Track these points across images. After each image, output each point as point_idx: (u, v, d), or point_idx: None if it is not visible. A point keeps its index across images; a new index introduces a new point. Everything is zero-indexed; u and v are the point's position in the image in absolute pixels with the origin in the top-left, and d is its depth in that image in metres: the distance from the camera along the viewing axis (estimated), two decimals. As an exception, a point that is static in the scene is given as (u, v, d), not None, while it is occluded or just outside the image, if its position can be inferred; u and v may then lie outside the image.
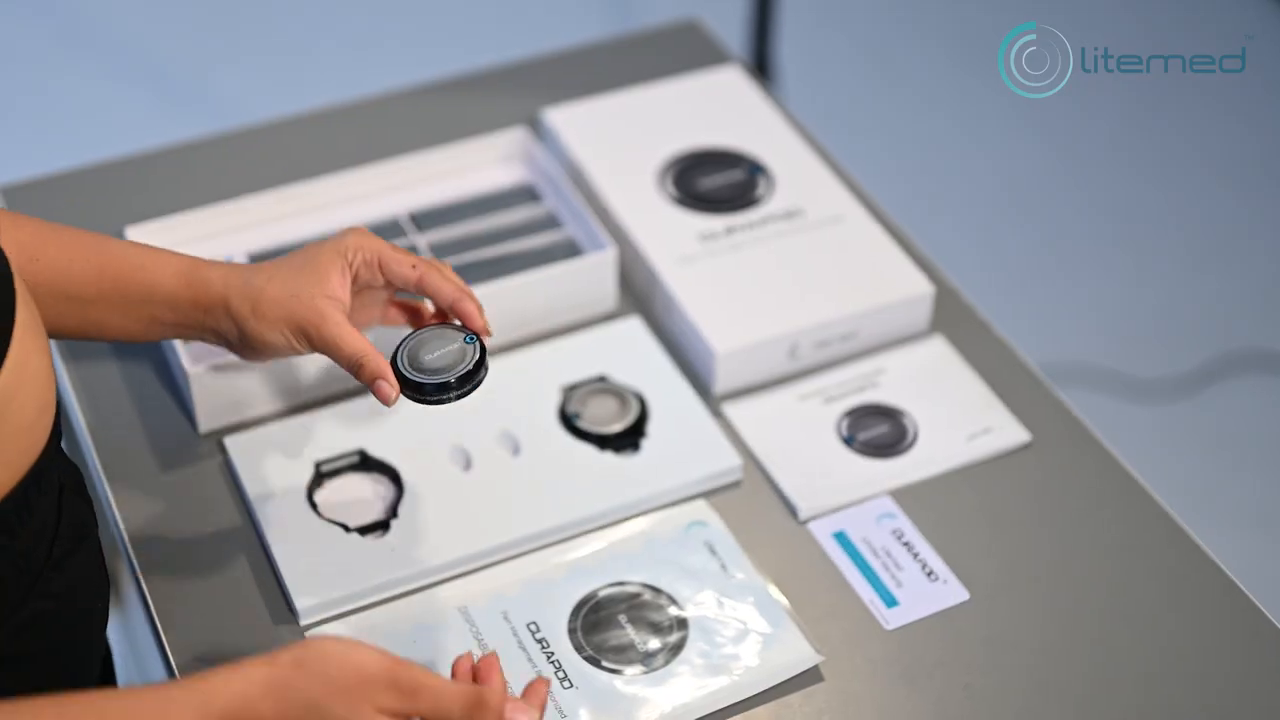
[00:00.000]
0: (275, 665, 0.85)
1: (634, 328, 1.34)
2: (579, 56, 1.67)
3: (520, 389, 1.28)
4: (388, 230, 1.38)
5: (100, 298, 1.06)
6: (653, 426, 1.26)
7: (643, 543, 1.17)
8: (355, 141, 1.52)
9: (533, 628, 1.11)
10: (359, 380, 1.05)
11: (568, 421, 1.26)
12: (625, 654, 1.10)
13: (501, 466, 1.22)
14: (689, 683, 1.08)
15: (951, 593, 1.16)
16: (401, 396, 1.05)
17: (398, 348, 1.08)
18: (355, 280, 1.09)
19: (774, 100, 1.56)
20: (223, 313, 1.07)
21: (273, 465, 1.21)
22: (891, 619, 1.15)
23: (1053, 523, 1.22)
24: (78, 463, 1.11)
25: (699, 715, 1.07)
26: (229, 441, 1.24)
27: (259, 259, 1.35)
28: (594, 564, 1.15)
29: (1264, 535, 2.28)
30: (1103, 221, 2.78)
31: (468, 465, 1.22)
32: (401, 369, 1.06)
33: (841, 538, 1.20)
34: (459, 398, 1.07)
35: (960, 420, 1.28)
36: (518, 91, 1.59)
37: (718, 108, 1.54)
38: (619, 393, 1.28)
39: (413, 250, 1.35)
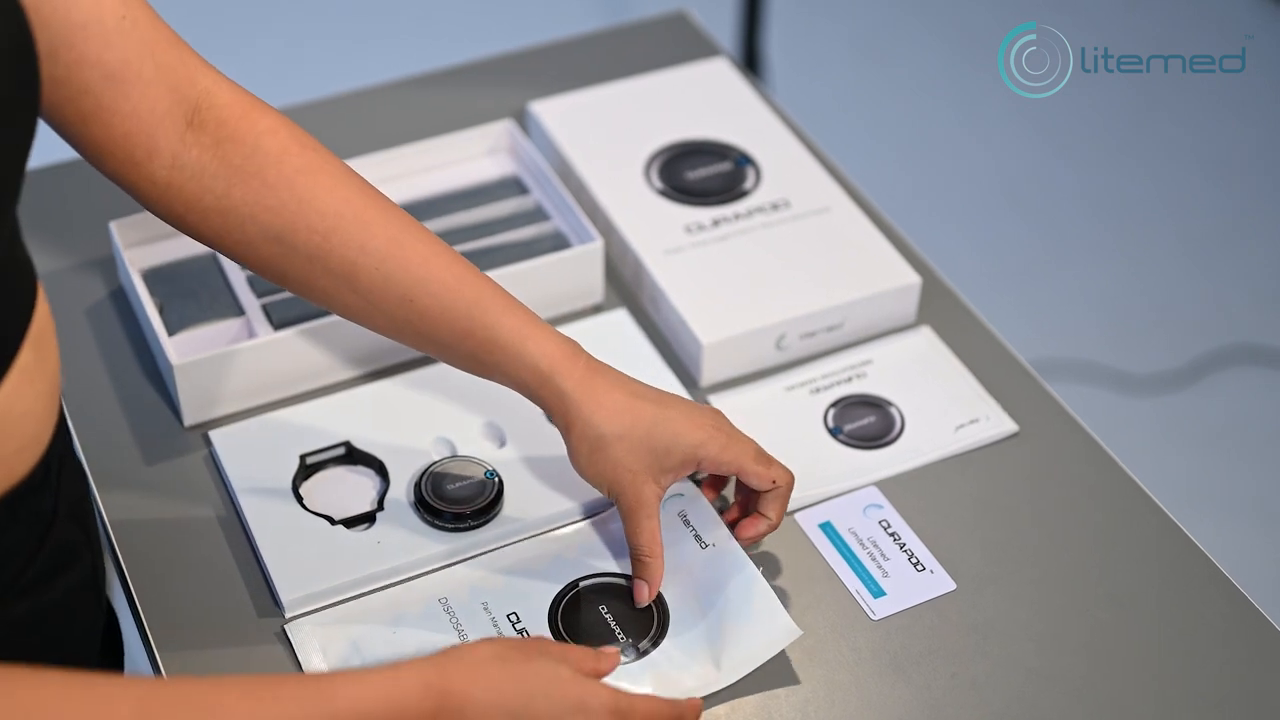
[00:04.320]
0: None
1: (621, 319, 1.34)
2: (566, 49, 1.66)
3: (506, 381, 1.27)
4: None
5: (459, 355, 1.09)
6: (639, 418, 1.26)
7: (618, 524, 1.16)
8: (342, 135, 1.52)
9: (513, 618, 1.11)
10: (632, 562, 1.10)
11: (554, 413, 1.26)
12: (607, 644, 1.09)
13: (487, 459, 1.22)
14: (671, 673, 1.08)
15: (938, 583, 1.16)
16: None
17: (425, 470, 1.19)
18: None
19: (761, 92, 1.56)
20: (560, 423, 1.10)
21: (258, 458, 1.21)
22: (878, 609, 1.14)
23: (1039, 513, 1.22)
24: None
25: (674, 695, 1.06)
26: (214, 434, 1.23)
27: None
28: (575, 553, 1.15)
29: (1252, 527, 2.28)
30: (1092, 214, 2.78)
31: (453, 458, 1.22)
32: (424, 493, 1.17)
33: (828, 528, 1.20)
34: (472, 529, 1.16)
35: (947, 411, 1.28)
36: (505, 84, 1.59)
37: (705, 100, 1.53)
38: (605, 384, 1.28)
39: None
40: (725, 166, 1.45)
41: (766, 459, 1.11)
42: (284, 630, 1.10)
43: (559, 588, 1.13)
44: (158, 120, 1.00)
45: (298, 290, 1.08)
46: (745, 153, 1.47)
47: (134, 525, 1.19)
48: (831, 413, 1.28)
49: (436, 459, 1.20)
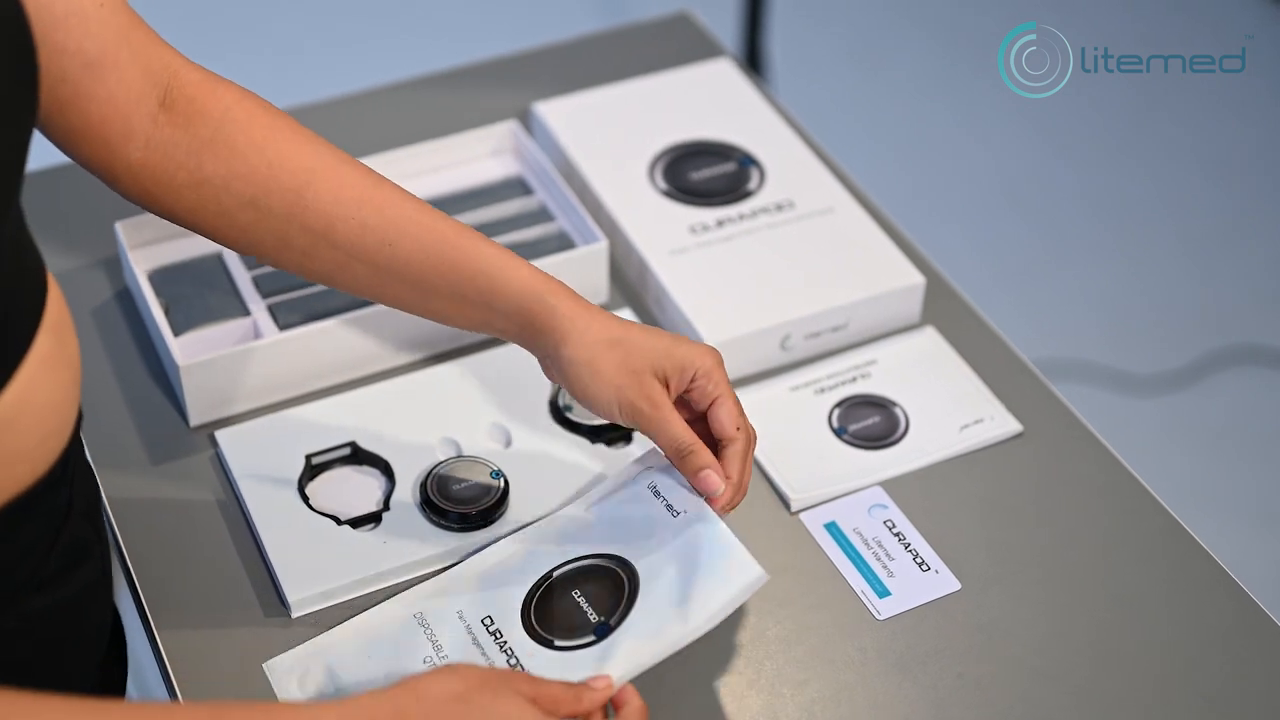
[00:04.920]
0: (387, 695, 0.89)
1: (625, 319, 1.34)
2: (570, 50, 1.67)
3: (511, 381, 1.28)
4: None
5: (444, 293, 1.06)
6: (644, 418, 1.26)
7: (596, 510, 1.13)
8: (347, 136, 1.51)
9: (487, 622, 1.08)
10: (681, 470, 1.06)
11: (559, 413, 1.26)
12: (579, 629, 1.05)
13: (493, 458, 1.22)
14: (641, 641, 1.02)
15: (943, 582, 1.16)
16: None
17: (431, 471, 1.18)
18: (681, 393, 1.08)
19: (765, 93, 1.56)
20: (555, 347, 1.06)
21: (264, 458, 1.21)
22: (883, 609, 1.15)
23: (1044, 513, 1.22)
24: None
25: (654, 663, 1.02)
26: (220, 434, 1.24)
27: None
28: (549, 543, 1.12)
29: (1255, 527, 2.28)
30: (1095, 214, 2.79)
31: (459, 457, 1.22)
32: (430, 493, 1.17)
33: (833, 528, 1.20)
34: (478, 530, 1.16)
35: (952, 411, 1.29)
36: (509, 85, 1.60)
37: (709, 100, 1.54)
38: (610, 385, 1.28)
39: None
40: (729, 167, 1.46)
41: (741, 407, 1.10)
42: (288, 629, 1.11)
43: (533, 581, 1.09)
44: (133, 104, 1.01)
45: (276, 258, 1.07)
46: (749, 153, 1.47)
47: (140, 525, 1.19)
48: (836, 413, 1.28)
49: (442, 459, 1.21)
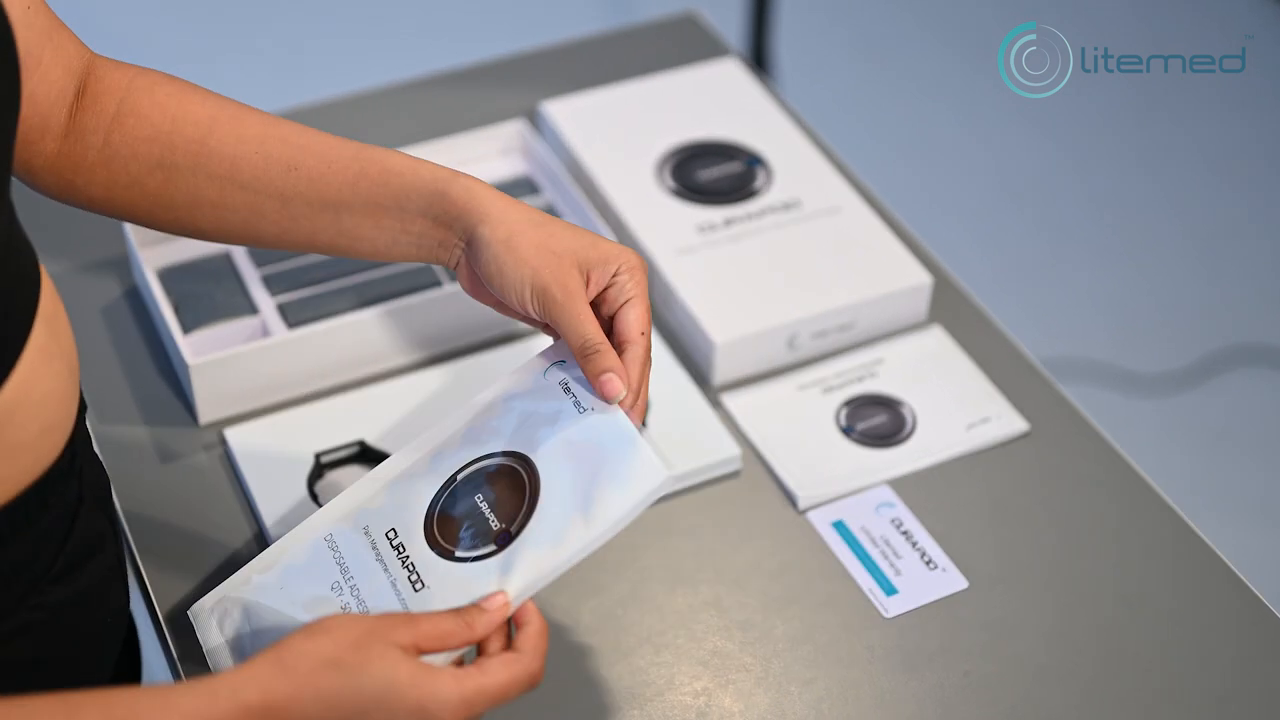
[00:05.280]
0: (280, 649, 0.86)
1: (633, 319, 1.34)
2: (577, 49, 1.67)
3: (520, 380, 1.28)
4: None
5: (355, 205, 1.02)
6: (652, 417, 1.26)
7: (503, 407, 1.04)
8: (354, 135, 1.52)
9: (391, 536, 1.00)
10: (584, 370, 0.99)
11: (567, 412, 1.26)
12: (480, 537, 0.97)
13: (501, 457, 1.22)
14: (543, 550, 0.96)
15: (950, 581, 1.17)
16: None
17: (440, 490, 1.04)
18: (600, 291, 1.02)
19: (772, 92, 1.56)
20: (473, 228, 1.00)
21: (273, 456, 1.22)
22: (891, 607, 1.15)
23: (1051, 511, 1.22)
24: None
25: (559, 574, 0.96)
26: (229, 433, 1.24)
27: (260, 251, 1.35)
28: (455, 444, 1.03)
29: (1263, 527, 2.28)
30: (1102, 214, 2.79)
31: (468, 456, 1.22)
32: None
33: (840, 527, 1.20)
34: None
35: (958, 410, 1.29)
36: (516, 84, 1.60)
37: (715, 100, 1.54)
38: (618, 383, 1.28)
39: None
40: (736, 166, 1.46)
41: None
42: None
43: (437, 488, 1.01)
44: (53, 101, 1.01)
45: (194, 222, 1.05)
46: (756, 153, 1.47)
47: (149, 523, 1.19)
48: (844, 412, 1.29)
49: None
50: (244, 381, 1.25)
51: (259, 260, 1.35)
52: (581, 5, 3.14)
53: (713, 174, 1.45)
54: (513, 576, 0.94)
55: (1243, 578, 1.18)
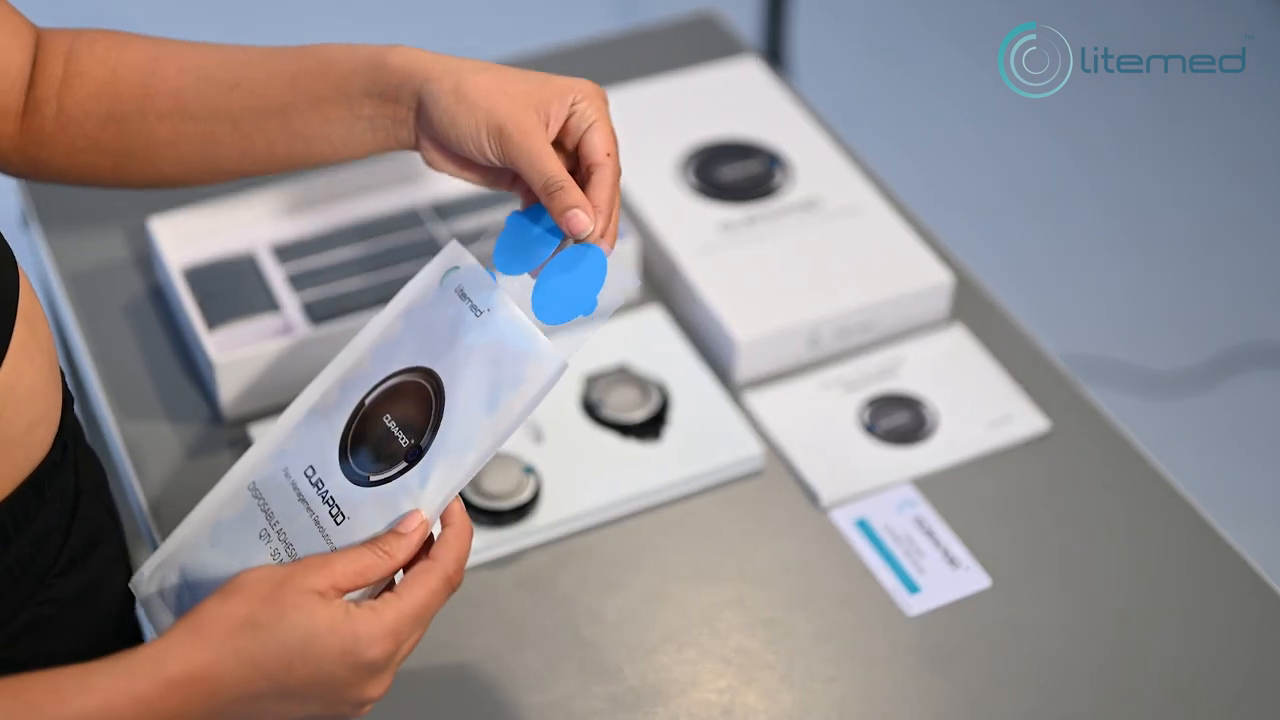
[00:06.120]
0: (196, 616, 0.84)
1: (655, 317, 1.35)
2: (595, 49, 1.67)
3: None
4: (408, 220, 1.39)
5: (299, 104, 1.01)
6: (674, 415, 1.26)
7: (404, 324, 1.00)
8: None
9: (309, 473, 0.96)
10: (549, 209, 0.95)
11: (590, 410, 1.27)
12: (391, 460, 0.94)
13: (524, 455, 1.22)
14: (454, 457, 0.93)
15: (973, 579, 1.17)
16: None
17: (351, 418, 1.00)
18: (560, 127, 0.98)
19: (792, 91, 1.57)
20: (421, 86, 0.97)
21: (297, 453, 1.22)
22: (914, 605, 1.15)
23: (1072, 510, 1.23)
24: (100, 452, 1.12)
25: (471, 477, 0.94)
26: (254, 429, 1.24)
27: (283, 250, 1.36)
28: (362, 370, 1.00)
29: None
30: (1120, 214, 2.79)
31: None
32: (462, 491, 1.07)
33: (863, 525, 1.20)
34: (511, 525, 1.13)
35: (980, 409, 1.29)
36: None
37: (735, 98, 1.54)
38: (640, 382, 1.28)
39: (432, 242, 1.36)
40: (756, 165, 1.46)
41: None
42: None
43: (348, 416, 0.98)
44: (11, 81, 1.01)
45: (151, 167, 1.04)
46: (777, 151, 1.48)
47: (174, 519, 1.19)
48: (866, 410, 1.29)
49: None
50: (268, 378, 1.26)
51: (283, 258, 1.35)
52: (596, 5, 3.14)
53: (733, 172, 1.45)
54: (428, 490, 0.92)
55: (1264, 576, 1.18)
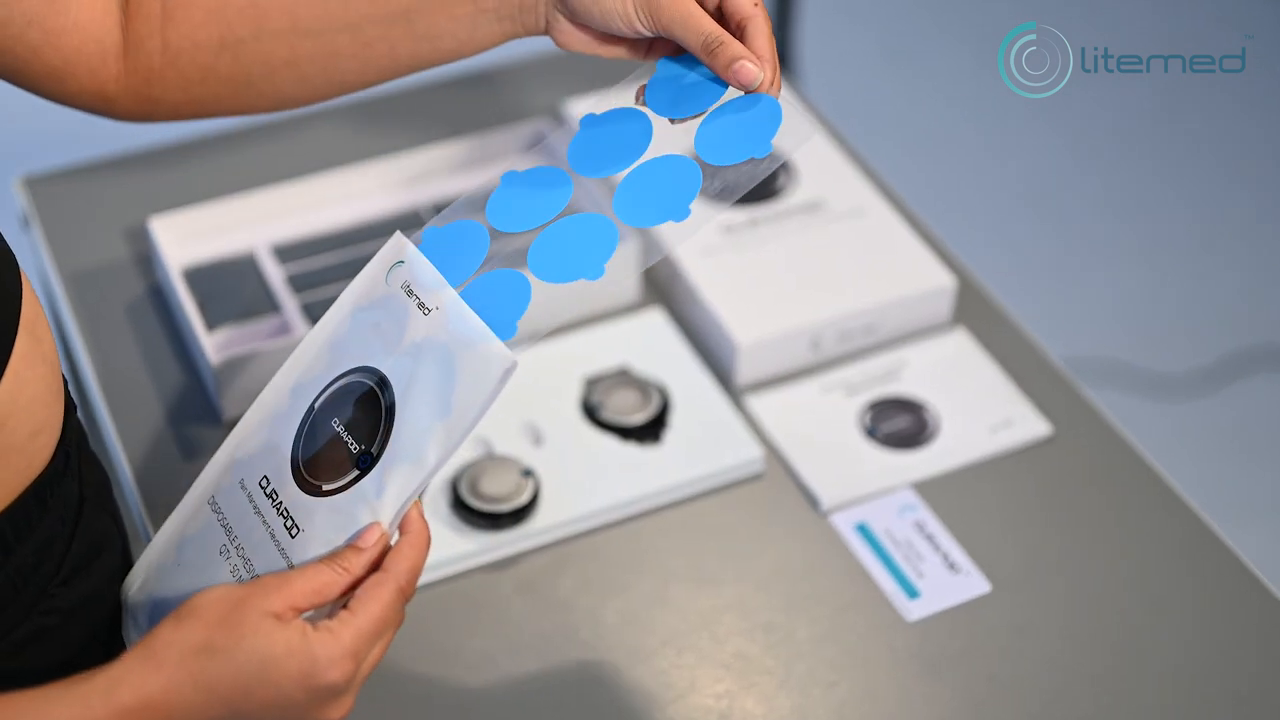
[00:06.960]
0: (153, 638, 0.83)
1: (656, 320, 1.34)
2: (599, 49, 1.67)
3: (542, 380, 1.28)
4: (408, 221, 1.39)
5: (422, 5, 0.99)
6: (675, 418, 1.26)
7: (350, 324, 0.96)
8: (379, 134, 1.53)
9: (264, 484, 0.93)
10: (712, 67, 0.94)
11: (590, 413, 1.26)
12: (341, 467, 0.91)
13: (524, 457, 1.22)
14: (409, 464, 0.90)
15: (973, 584, 1.16)
16: None
17: (462, 469, 1.17)
18: None
19: (796, 92, 1.56)
20: None
21: (296, 455, 1.21)
22: (913, 610, 1.15)
23: (1074, 514, 1.22)
24: (99, 453, 1.12)
25: (430, 483, 0.94)
26: (253, 431, 1.24)
27: (287, 250, 1.36)
28: (313, 372, 0.96)
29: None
30: (1123, 216, 2.78)
31: (490, 456, 1.22)
32: (460, 492, 1.16)
33: (863, 529, 1.20)
34: (510, 528, 1.16)
35: (982, 413, 1.29)
36: (540, 83, 1.60)
37: (739, 100, 1.54)
38: (641, 384, 1.28)
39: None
40: (760, 167, 1.45)
41: None
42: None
43: (298, 423, 0.94)
44: (100, 22, 1.00)
45: (272, 90, 1.03)
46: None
47: (173, 521, 1.19)
48: (867, 414, 1.28)
49: (473, 458, 1.21)
50: (267, 379, 1.25)
51: (283, 259, 1.35)
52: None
53: (736, 174, 1.44)
54: (385, 499, 0.89)
55: (1265, 581, 1.17)
